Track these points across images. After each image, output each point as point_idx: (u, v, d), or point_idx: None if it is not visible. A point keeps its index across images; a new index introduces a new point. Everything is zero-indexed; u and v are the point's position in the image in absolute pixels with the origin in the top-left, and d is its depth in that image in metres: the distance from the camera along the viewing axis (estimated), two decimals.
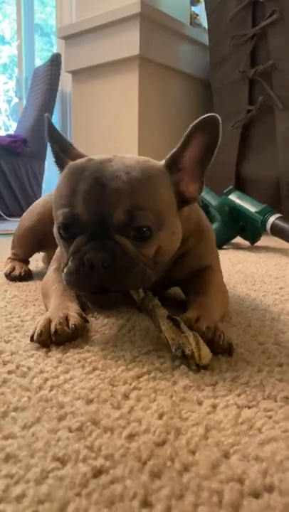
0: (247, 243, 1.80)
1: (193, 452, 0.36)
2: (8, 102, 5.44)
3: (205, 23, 2.70)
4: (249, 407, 0.44)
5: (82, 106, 2.64)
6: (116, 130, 2.41)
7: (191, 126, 0.66)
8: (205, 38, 2.63)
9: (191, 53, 2.65)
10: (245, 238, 1.77)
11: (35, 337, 0.59)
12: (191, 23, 2.70)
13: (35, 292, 0.91)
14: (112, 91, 2.46)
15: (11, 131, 4.31)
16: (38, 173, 3.78)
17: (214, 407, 0.44)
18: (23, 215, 1.15)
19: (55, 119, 4.00)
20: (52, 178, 3.30)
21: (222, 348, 0.56)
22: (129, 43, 2.31)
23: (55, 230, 0.68)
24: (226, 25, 2.39)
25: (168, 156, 0.69)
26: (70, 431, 0.39)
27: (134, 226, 0.61)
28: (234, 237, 1.76)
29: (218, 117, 0.66)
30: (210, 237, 0.84)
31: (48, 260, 1.21)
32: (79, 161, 0.67)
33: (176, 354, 0.54)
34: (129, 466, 0.34)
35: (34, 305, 0.82)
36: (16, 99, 5.28)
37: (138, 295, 0.70)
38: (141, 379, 0.50)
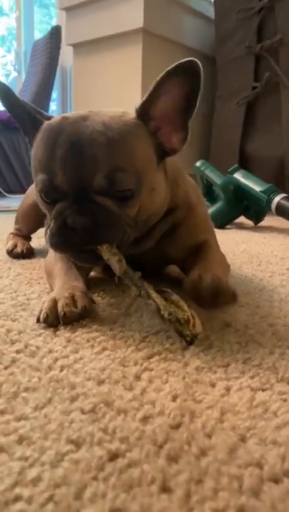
0: (250, 223, 1.78)
1: (209, 436, 0.35)
2: (7, 76, 5.33)
3: None
4: (263, 390, 0.43)
5: (83, 80, 2.58)
6: (118, 106, 2.35)
7: (164, 74, 0.62)
8: (210, 12, 2.55)
9: (195, 27, 2.58)
10: (248, 218, 1.75)
11: (41, 319, 0.58)
12: None
13: (39, 270, 0.90)
14: (115, 65, 2.40)
15: None
16: None
17: (228, 389, 0.43)
18: (28, 190, 1.13)
19: (56, 94, 3.92)
20: None
21: (228, 297, 0.59)
22: (132, 15, 2.24)
23: (36, 193, 0.67)
24: None
25: (137, 106, 0.65)
26: (83, 412, 0.38)
27: (116, 190, 0.60)
28: (238, 216, 1.74)
29: (197, 61, 0.61)
30: (202, 211, 0.83)
31: None
32: (53, 120, 0.65)
33: (170, 319, 0.53)
34: (145, 450, 0.33)
35: (39, 283, 0.81)
36: (14, 74, 5.18)
37: (120, 267, 0.63)
38: (151, 360, 0.49)
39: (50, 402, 0.40)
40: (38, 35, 4.23)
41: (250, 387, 0.43)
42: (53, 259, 0.75)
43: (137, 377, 0.45)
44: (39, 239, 1.26)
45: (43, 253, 1.10)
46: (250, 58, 2.30)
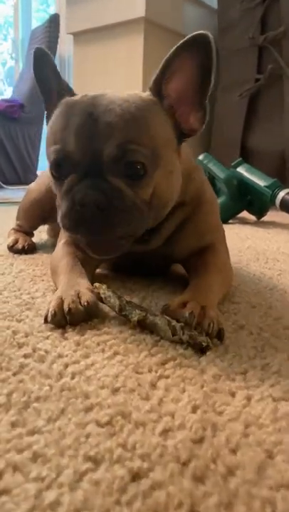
0: (253, 218, 1.76)
1: (234, 452, 0.33)
2: (3, 64, 5.26)
3: None
4: (286, 400, 0.41)
5: (83, 70, 2.53)
6: None
7: (175, 49, 0.61)
8: (213, 1, 2.51)
9: (198, 17, 2.54)
10: (251, 213, 1.73)
11: (49, 318, 0.55)
12: None
13: (42, 266, 0.88)
14: (116, 55, 2.35)
15: (5, 97, 4.18)
16: (36, 139, 3.68)
17: (249, 399, 0.41)
18: (31, 185, 1.10)
19: None
20: None
21: (210, 334, 0.52)
22: (134, 4, 2.20)
23: (47, 170, 0.65)
24: None
25: (150, 85, 0.64)
26: (100, 425, 0.36)
27: (126, 161, 0.58)
28: (241, 211, 1.72)
29: (208, 33, 0.60)
30: (212, 210, 0.80)
31: (52, 233, 1.17)
32: (73, 97, 0.64)
33: (188, 336, 0.51)
34: (168, 469, 0.31)
35: (43, 280, 0.78)
36: (10, 62, 5.10)
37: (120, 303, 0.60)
38: (166, 366, 0.47)
39: (63, 414, 0.37)
40: (34, 23, 4.16)
41: (272, 397, 0.41)
42: (59, 255, 0.73)
43: (153, 386, 0.43)
44: (40, 233, 1.23)
45: (44, 248, 1.07)
46: (253, 50, 2.27)
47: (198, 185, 0.74)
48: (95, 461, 0.32)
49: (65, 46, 3.72)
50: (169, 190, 0.65)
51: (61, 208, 0.60)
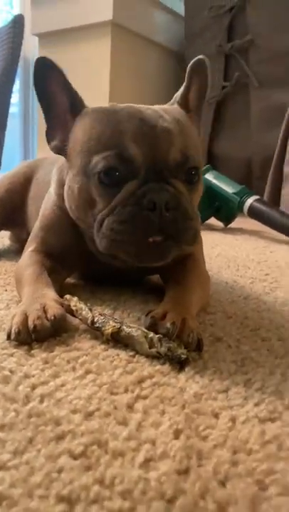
0: (220, 224, 1.76)
1: (223, 484, 0.30)
2: None
3: None
4: (272, 421, 0.39)
5: None
6: (86, 100, 2.27)
7: (189, 67, 0.68)
8: (180, 9, 2.51)
9: (165, 23, 2.53)
10: (219, 219, 1.72)
11: (12, 336, 0.50)
12: None
13: (5, 275, 0.82)
14: (83, 57, 2.31)
15: None
16: None
17: (233, 420, 0.38)
18: None
19: (17, 86, 3.78)
20: (12, 150, 3.13)
21: (189, 345, 0.50)
22: (101, 7, 2.17)
23: (81, 181, 0.61)
24: None
25: (178, 98, 0.68)
26: (73, 457, 0.32)
27: (188, 167, 0.59)
28: (209, 217, 1.70)
29: (206, 58, 0.69)
30: (198, 220, 0.78)
31: (14, 238, 1.12)
32: (101, 107, 0.63)
33: (166, 348, 0.48)
34: (153, 508, 0.28)
35: (6, 290, 0.73)
36: None
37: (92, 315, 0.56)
38: (143, 384, 0.43)
39: (31, 444, 0.33)
40: None
41: (258, 418, 0.39)
42: (25, 264, 0.68)
43: (130, 408, 0.39)
44: (3, 239, 1.17)
45: (8, 255, 1.02)
46: (220, 57, 2.28)
47: None
48: (69, 502, 0.28)
49: (31, 48, 3.64)
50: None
51: (114, 214, 0.57)
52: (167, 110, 0.62)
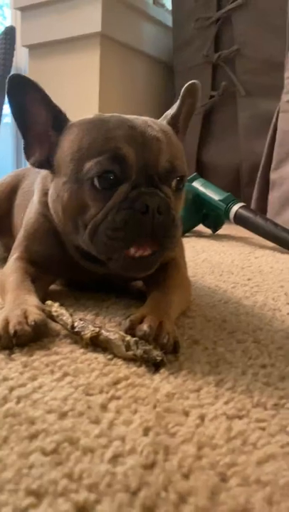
0: (209, 231, 1.78)
1: (187, 476, 0.32)
2: None
3: (168, 4, 2.62)
4: (240, 418, 0.40)
5: (39, 83, 2.49)
6: (75, 111, 2.29)
7: (183, 90, 0.71)
8: (168, 20, 2.55)
9: (153, 34, 2.57)
10: (207, 226, 1.74)
11: None
12: (154, 3, 2.61)
13: None
14: (72, 69, 2.34)
15: None
16: None
17: (202, 418, 0.40)
18: None
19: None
20: (4, 159, 3.15)
21: (166, 347, 0.52)
22: (90, 19, 2.20)
23: (70, 189, 0.62)
24: (191, 7, 2.33)
25: (169, 117, 0.71)
26: (45, 454, 0.34)
27: (176, 175, 0.62)
28: (197, 224, 1.73)
29: (199, 84, 0.73)
30: (180, 226, 0.80)
31: (4, 248, 1.13)
32: (88, 117, 0.65)
33: (142, 351, 0.50)
34: (117, 500, 0.29)
35: None
36: None
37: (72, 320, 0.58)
38: (118, 386, 0.45)
39: (5, 443, 0.35)
40: None
41: (226, 415, 0.40)
42: (8, 271, 0.70)
43: (104, 408, 0.41)
44: None
45: None
46: (207, 67, 2.32)
47: None
48: (38, 495, 0.29)
49: (22, 59, 3.68)
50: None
51: (109, 218, 0.58)
52: (154, 121, 0.65)
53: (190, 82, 0.71)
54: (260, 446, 0.36)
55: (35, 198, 0.76)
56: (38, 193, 0.75)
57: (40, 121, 0.66)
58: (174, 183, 0.62)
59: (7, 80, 0.62)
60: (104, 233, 0.59)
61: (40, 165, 0.68)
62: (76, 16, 2.25)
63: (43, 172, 0.76)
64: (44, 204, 0.71)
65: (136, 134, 0.59)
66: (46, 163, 0.67)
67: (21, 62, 3.65)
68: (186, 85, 0.71)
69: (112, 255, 0.60)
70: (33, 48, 2.55)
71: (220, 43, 2.26)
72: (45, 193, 0.71)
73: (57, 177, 0.65)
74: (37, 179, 0.79)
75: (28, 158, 0.68)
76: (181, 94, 0.71)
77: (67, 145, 0.63)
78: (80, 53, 2.31)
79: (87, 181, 0.60)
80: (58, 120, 0.66)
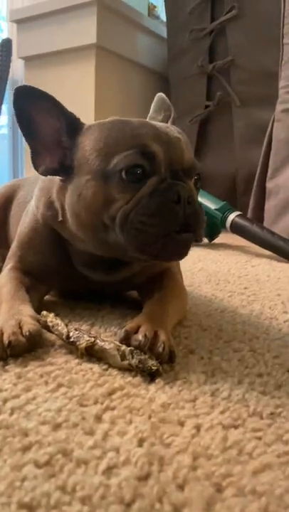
0: (205, 240, 1.78)
1: (181, 487, 0.32)
2: None
3: (163, 16, 2.65)
4: (235, 427, 0.40)
5: None
6: None
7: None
8: (163, 31, 2.58)
9: (149, 45, 2.60)
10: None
11: None
12: (148, 15, 2.64)
13: None
14: (68, 80, 2.36)
15: None
16: None
17: (198, 428, 0.39)
18: None
19: (6, 109, 3.83)
20: (1, 170, 3.16)
21: (161, 357, 0.51)
22: (85, 30, 2.22)
23: (88, 186, 0.61)
24: (185, 19, 2.35)
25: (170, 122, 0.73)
26: (38, 466, 0.33)
27: (196, 172, 0.64)
28: None
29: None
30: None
31: (1, 258, 1.13)
32: (105, 120, 0.66)
33: (138, 360, 0.50)
34: None
35: None
36: None
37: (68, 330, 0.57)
38: (113, 396, 0.45)
39: None
40: None
41: (222, 424, 0.40)
42: (3, 281, 0.69)
43: (98, 419, 0.40)
44: None
45: None
46: (202, 77, 2.34)
47: None
48: (30, 508, 0.29)
49: (18, 70, 3.71)
50: None
51: (142, 208, 0.58)
52: (168, 125, 0.68)
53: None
54: (256, 455, 0.36)
55: (33, 209, 0.75)
56: (39, 204, 0.73)
57: (49, 130, 0.65)
58: (194, 180, 0.65)
59: (13, 92, 0.62)
60: (138, 220, 0.58)
61: (52, 172, 0.66)
62: (71, 28, 2.27)
63: (40, 185, 0.75)
64: (47, 212, 0.70)
65: (160, 133, 0.61)
66: (60, 169, 0.65)
67: (17, 73, 3.69)
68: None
69: (149, 242, 0.59)
70: (29, 60, 2.58)
71: (214, 54, 2.28)
72: (49, 202, 0.70)
73: (77, 178, 0.63)
74: (35, 191, 0.78)
75: (37, 167, 0.66)
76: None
77: (90, 144, 0.63)
78: (76, 65, 2.33)
79: (114, 175, 0.59)
80: (74, 124, 0.66)
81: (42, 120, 0.65)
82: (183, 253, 0.63)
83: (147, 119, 0.72)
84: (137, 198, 0.59)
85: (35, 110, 0.64)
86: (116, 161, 0.59)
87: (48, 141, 0.66)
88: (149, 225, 0.58)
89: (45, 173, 0.67)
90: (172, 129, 0.64)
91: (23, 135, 0.65)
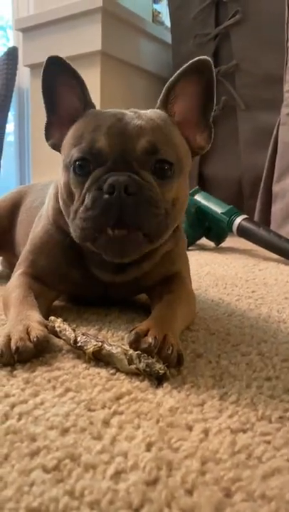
0: (212, 244, 1.78)
1: (190, 492, 0.31)
2: None
3: (167, 22, 2.66)
4: (244, 431, 0.40)
5: (41, 102, 2.53)
6: None
7: (176, 73, 0.67)
8: (167, 37, 2.59)
9: (153, 51, 2.61)
10: (210, 239, 1.75)
11: None
12: (153, 21, 2.66)
13: None
14: None
15: None
16: None
17: (206, 432, 0.39)
18: None
19: (13, 116, 3.86)
20: (8, 177, 3.18)
21: (169, 360, 0.51)
22: (90, 37, 2.24)
23: (65, 174, 0.64)
24: (189, 24, 2.36)
25: (158, 105, 0.69)
26: (46, 471, 0.33)
27: (158, 158, 0.60)
28: (200, 238, 1.73)
29: (208, 58, 0.66)
30: (184, 240, 0.81)
31: (7, 264, 1.14)
32: (95, 110, 0.67)
33: (145, 364, 0.49)
34: None
35: None
36: None
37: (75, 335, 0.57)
38: (121, 401, 0.44)
39: (6, 460, 0.34)
40: None
41: (230, 429, 0.40)
42: (12, 286, 0.70)
43: (106, 423, 0.40)
44: None
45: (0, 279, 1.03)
46: None
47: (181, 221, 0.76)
48: None
49: (24, 78, 3.74)
50: (185, 202, 0.68)
51: (84, 203, 0.59)
52: (147, 113, 0.66)
53: (194, 59, 0.66)
54: (265, 460, 0.35)
55: (46, 213, 0.75)
56: (51, 210, 0.74)
57: (67, 106, 0.68)
58: (156, 169, 0.61)
59: (46, 60, 0.66)
60: (78, 216, 0.60)
61: (55, 148, 0.70)
62: (76, 35, 2.29)
63: (53, 189, 0.75)
64: (58, 215, 0.71)
65: (120, 124, 0.61)
66: (60, 147, 0.69)
67: (23, 81, 3.72)
68: (187, 64, 0.66)
69: (88, 239, 0.60)
70: (35, 68, 2.60)
71: (219, 59, 2.29)
72: (59, 212, 0.70)
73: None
74: (48, 194, 0.79)
75: (47, 138, 0.70)
76: (174, 75, 0.67)
77: (70, 132, 0.66)
78: (81, 71, 2.33)
79: (71, 167, 0.62)
80: (86, 105, 0.68)
81: (64, 95, 0.68)
82: (123, 252, 0.60)
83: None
84: (83, 193, 0.60)
85: (61, 83, 0.68)
86: (72, 153, 0.62)
87: (63, 117, 0.69)
88: (86, 219, 0.59)
89: (52, 147, 0.70)
90: (143, 118, 0.62)
91: (44, 102, 0.69)
